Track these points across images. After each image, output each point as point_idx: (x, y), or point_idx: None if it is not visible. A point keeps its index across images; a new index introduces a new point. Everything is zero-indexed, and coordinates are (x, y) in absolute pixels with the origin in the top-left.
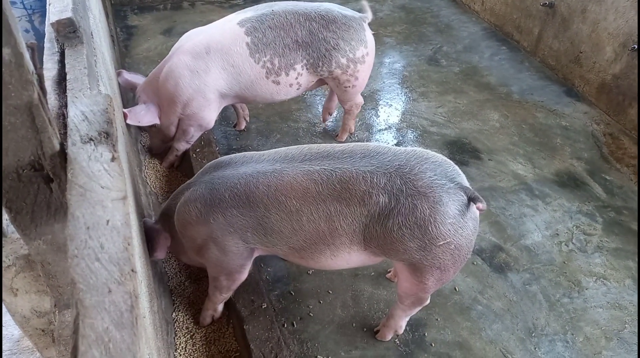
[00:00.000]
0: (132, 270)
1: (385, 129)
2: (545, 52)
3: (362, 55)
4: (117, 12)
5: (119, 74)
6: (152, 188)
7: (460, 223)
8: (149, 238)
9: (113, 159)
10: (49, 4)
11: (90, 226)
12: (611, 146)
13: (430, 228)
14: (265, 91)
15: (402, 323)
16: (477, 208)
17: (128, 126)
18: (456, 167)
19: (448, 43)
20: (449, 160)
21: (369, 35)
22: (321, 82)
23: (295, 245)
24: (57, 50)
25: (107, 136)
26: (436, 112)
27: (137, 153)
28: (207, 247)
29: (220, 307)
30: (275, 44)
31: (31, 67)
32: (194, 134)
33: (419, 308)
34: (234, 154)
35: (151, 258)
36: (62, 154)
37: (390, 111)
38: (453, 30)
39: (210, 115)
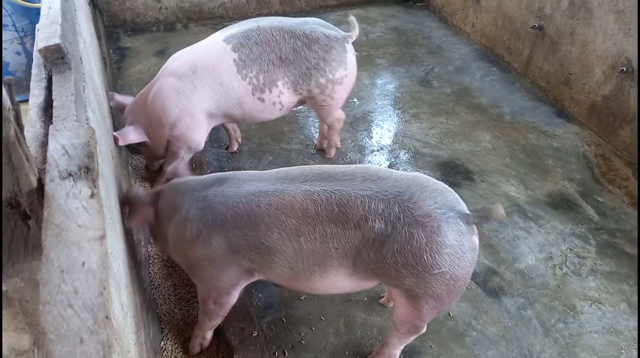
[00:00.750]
0: (107, 317)
1: (378, 150)
2: (535, 74)
3: (341, 76)
4: (110, 33)
5: (111, 97)
6: None
7: (457, 254)
8: (133, 207)
9: (92, 195)
10: (38, 30)
11: (65, 269)
12: (602, 168)
13: (425, 257)
14: (252, 108)
15: (396, 352)
16: (498, 215)
17: (119, 148)
18: (456, 195)
19: (439, 64)
20: (449, 188)
21: (350, 56)
22: (301, 102)
23: (295, 265)
24: (44, 76)
25: (87, 170)
26: (428, 133)
27: (127, 176)
28: (200, 266)
29: (209, 335)
30: (261, 59)
31: (8, 103)
32: (184, 156)
33: (415, 336)
34: (236, 171)
35: (126, 224)
36: (40, 191)
37: (383, 132)
38: (444, 51)
39: (199, 136)
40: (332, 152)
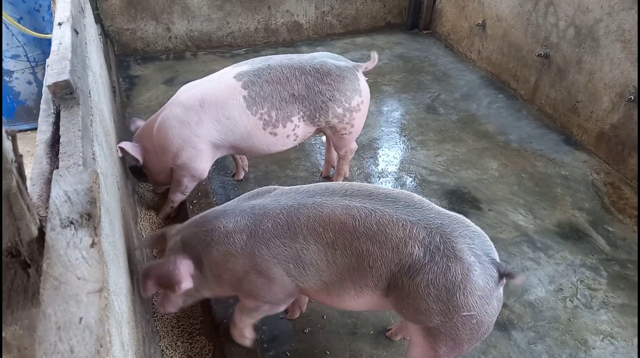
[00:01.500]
0: None
1: (384, 177)
2: (542, 101)
3: (357, 104)
4: (120, 62)
5: (133, 122)
6: None
7: (487, 298)
8: (165, 274)
9: (93, 244)
10: (48, 66)
11: (62, 325)
12: (612, 196)
13: (458, 295)
14: (262, 142)
15: None
16: (519, 282)
17: (126, 177)
18: (492, 243)
19: (446, 91)
20: (485, 234)
21: (363, 83)
22: (318, 130)
23: (328, 279)
24: (52, 111)
25: (89, 218)
26: (435, 161)
27: (133, 205)
28: (248, 279)
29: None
30: (272, 97)
31: (11, 155)
32: (188, 184)
33: None
34: (273, 186)
35: (174, 292)
36: (41, 239)
37: (389, 159)
38: (451, 78)
39: (202, 166)
40: (340, 180)
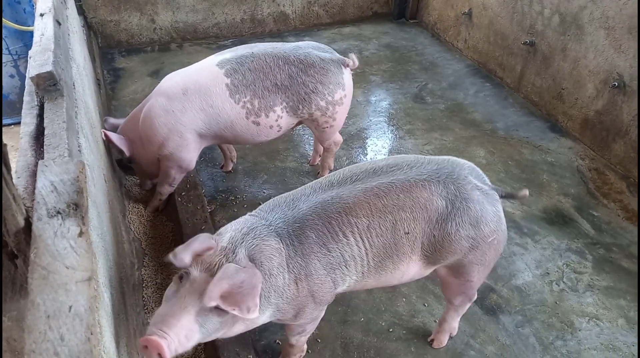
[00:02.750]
0: None
1: None
2: (528, 89)
3: (340, 97)
4: (104, 54)
5: (105, 121)
6: (136, 234)
7: (500, 220)
8: (247, 284)
9: (80, 234)
10: (30, 57)
11: (51, 314)
12: (597, 182)
13: (482, 227)
14: (245, 131)
15: (455, 325)
16: (523, 195)
17: (113, 170)
18: (479, 170)
19: (433, 81)
20: (473, 165)
21: (346, 77)
22: (300, 122)
23: (365, 267)
24: (36, 104)
25: (76, 207)
26: (423, 149)
27: (120, 198)
28: (305, 306)
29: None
30: (255, 85)
31: None
32: (175, 176)
33: (469, 304)
34: (265, 204)
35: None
36: (28, 230)
37: (377, 149)
38: (438, 67)
39: (189, 156)
40: (325, 173)
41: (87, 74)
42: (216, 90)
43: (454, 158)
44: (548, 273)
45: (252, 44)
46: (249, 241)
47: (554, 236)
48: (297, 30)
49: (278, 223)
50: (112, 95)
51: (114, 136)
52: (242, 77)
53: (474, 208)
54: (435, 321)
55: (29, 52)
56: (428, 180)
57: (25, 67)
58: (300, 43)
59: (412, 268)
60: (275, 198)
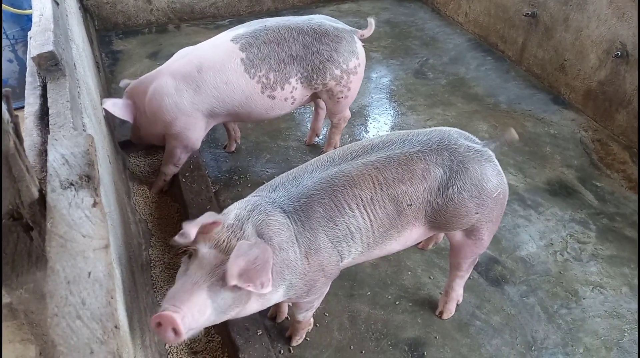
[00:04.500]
0: (116, 327)
1: None
2: (530, 61)
3: (354, 66)
4: (101, 37)
5: (122, 81)
6: (142, 215)
7: (500, 173)
8: (260, 260)
9: (94, 204)
10: (30, 38)
11: (71, 280)
12: (600, 153)
13: (484, 184)
14: (260, 106)
15: (461, 291)
16: (510, 136)
17: (116, 152)
18: (466, 132)
19: (434, 56)
20: (457, 129)
21: (359, 46)
22: (314, 96)
23: (370, 238)
24: (39, 84)
25: (88, 179)
26: (425, 125)
27: (125, 180)
28: (316, 279)
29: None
30: (270, 58)
31: (7, 116)
32: (180, 156)
33: (472, 268)
34: (270, 181)
35: (252, 288)
36: (42, 201)
37: (379, 125)
38: (438, 42)
39: (195, 135)
40: (330, 150)
41: (86, 56)
42: (231, 65)
43: (440, 127)
44: (552, 244)
45: (264, 19)
46: (255, 217)
47: (557, 208)
48: (295, 8)
49: (282, 200)
50: (111, 78)
51: (117, 104)
52: (258, 51)
53: (473, 168)
54: (441, 293)
55: (29, 32)
56: (422, 151)
57: (23, 52)
58: (312, 16)
59: (415, 233)
60: (277, 178)
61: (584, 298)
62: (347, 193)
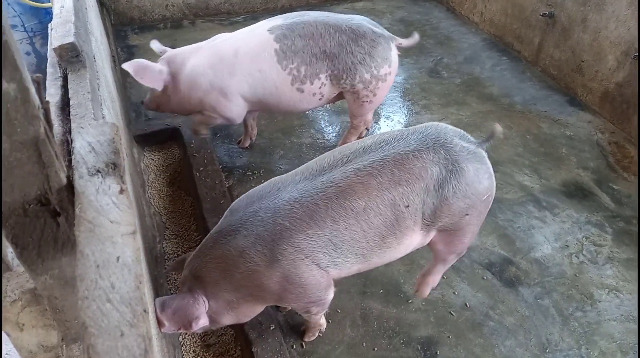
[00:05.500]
0: (145, 310)
1: None
2: (546, 62)
3: (385, 73)
4: (117, 32)
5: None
6: (157, 209)
7: (491, 176)
8: (181, 308)
9: (121, 191)
10: (52, 29)
11: (101, 264)
12: (617, 155)
13: (476, 186)
14: (288, 98)
15: (438, 278)
16: (498, 132)
17: (132, 146)
18: (462, 130)
19: (448, 55)
20: (451, 126)
21: (394, 54)
22: (341, 95)
23: (364, 249)
24: (60, 75)
25: (114, 167)
26: None
27: (140, 173)
28: (284, 289)
29: (322, 319)
30: (304, 52)
31: (37, 101)
32: (217, 122)
33: (457, 259)
34: (260, 186)
35: (191, 331)
36: (69, 188)
37: (393, 124)
38: (453, 42)
39: (233, 113)
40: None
41: (104, 49)
42: (265, 55)
43: (436, 123)
44: (567, 246)
45: (304, 12)
46: (195, 261)
47: (573, 210)
48: (309, 5)
49: (248, 219)
50: (126, 72)
51: (150, 68)
52: (292, 44)
53: (467, 168)
54: (454, 293)
55: (50, 24)
56: (418, 149)
57: (41, 45)
58: (353, 15)
59: (415, 240)
60: (264, 185)
61: (599, 301)
62: (331, 205)
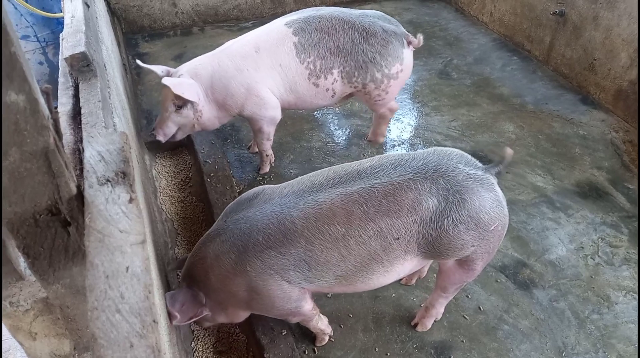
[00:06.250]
0: (154, 321)
1: (399, 144)
2: (558, 61)
3: (396, 71)
4: (128, 40)
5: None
6: (168, 215)
7: (500, 204)
8: (189, 302)
9: (131, 200)
10: (62, 39)
11: (110, 274)
12: (632, 154)
13: (482, 216)
14: (306, 92)
15: (441, 310)
16: (508, 155)
17: (143, 153)
18: (468, 155)
19: (458, 56)
20: (459, 150)
21: (407, 52)
22: (351, 95)
23: (343, 272)
24: (71, 84)
25: (124, 176)
26: (450, 126)
27: (151, 180)
28: (252, 298)
29: (320, 321)
30: (319, 46)
31: (46, 112)
32: (269, 130)
33: (458, 291)
34: (252, 190)
35: (200, 317)
36: (79, 197)
37: (403, 126)
38: (462, 42)
39: (269, 112)
40: (381, 140)
41: (115, 58)
42: (284, 49)
43: (440, 148)
44: (582, 247)
45: (318, 7)
46: (188, 260)
47: (587, 210)
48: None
49: (229, 226)
50: (137, 80)
51: (186, 84)
52: (309, 37)
53: (470, 199)
54: (467, 296)
55: (61, 34)
56: (413, 179)
57: (54, 55)
58: (367, 11)
59: (407, 266)
60: (257, 190)
61: (616, 304)
62: (309, 226)
